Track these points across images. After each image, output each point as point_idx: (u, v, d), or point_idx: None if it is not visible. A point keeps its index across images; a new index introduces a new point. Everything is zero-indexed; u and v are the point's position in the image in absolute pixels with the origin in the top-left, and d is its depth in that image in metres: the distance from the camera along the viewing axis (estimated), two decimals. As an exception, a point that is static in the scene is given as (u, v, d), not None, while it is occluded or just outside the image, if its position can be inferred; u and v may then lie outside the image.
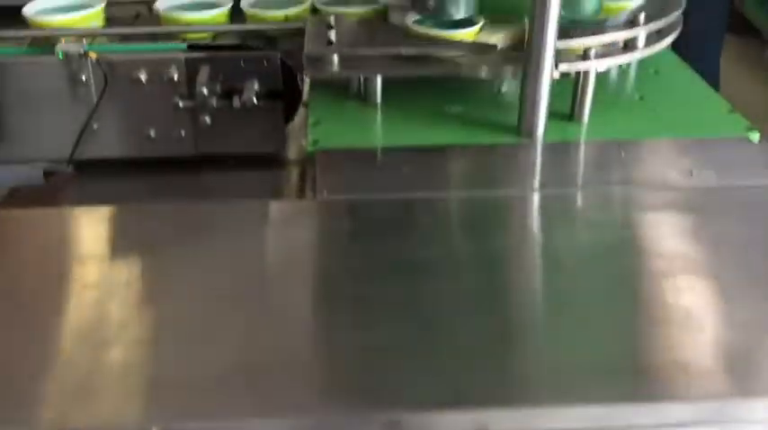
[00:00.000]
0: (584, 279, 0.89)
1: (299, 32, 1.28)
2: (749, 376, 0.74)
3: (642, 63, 1.34)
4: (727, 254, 0.93)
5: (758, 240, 0.95)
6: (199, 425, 0.72)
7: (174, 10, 1.36)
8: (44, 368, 0.76)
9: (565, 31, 1.13)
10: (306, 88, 1.34)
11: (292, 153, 1.38)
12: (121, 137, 1.32)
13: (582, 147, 1.16)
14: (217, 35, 1.36)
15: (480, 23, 1.19)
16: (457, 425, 0.71)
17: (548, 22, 1.07)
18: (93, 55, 1.22)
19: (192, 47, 1.29)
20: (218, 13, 1.35)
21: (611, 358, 0.77)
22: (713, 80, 2.52)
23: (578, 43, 1.14)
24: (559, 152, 1.14)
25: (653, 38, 1.21)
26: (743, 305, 0.83)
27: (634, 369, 0.75)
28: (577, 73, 1.17)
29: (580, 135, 1.18)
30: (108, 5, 1.37)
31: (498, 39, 1.18)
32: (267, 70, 1.29)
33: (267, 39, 1.34)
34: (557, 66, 1.12)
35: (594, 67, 1.16)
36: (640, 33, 1.17)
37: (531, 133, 1.16)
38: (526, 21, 1.11)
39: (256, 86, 1.28)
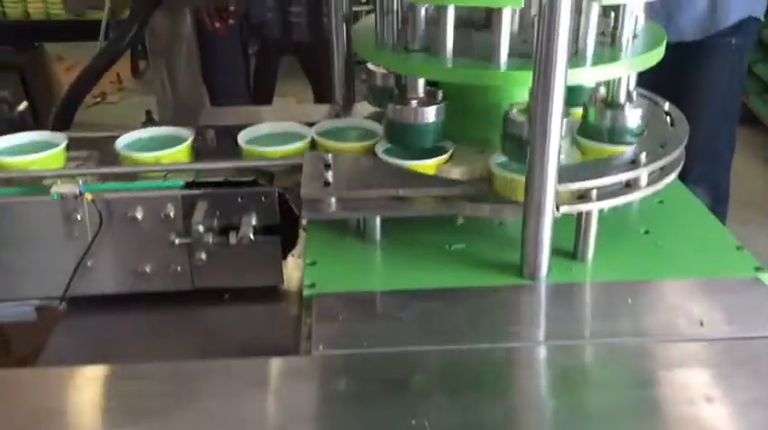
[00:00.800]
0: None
1: (299, 168, 1.27)
2: None
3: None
4: (742, 415, 0.88)
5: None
6: None
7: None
8: None
9: (566, 170, 1.11)
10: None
11: (290, 283, 1.35)
12: (116, 273, 1.29)
13: (587, 291, 1.13)
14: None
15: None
16: None
17: (547, 164, 1.05)
18: (88, 196, 1.21)
19: (190, 184, 1.28)
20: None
21: None
22: (725, 181, 2.51)
23: (579, 186, 1.12)
24: (564, 296, 1.11)
25: (656, 174, 1.19)
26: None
27: None
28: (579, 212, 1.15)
29: (585, 276, 1.15)
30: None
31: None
32: (265, 206, 1.27)
33: (265, 173, 1.33)
34: (557, 208, 1.10)
35: (597, 208, 1.13)
36: (643, 173, 1.15)
37: (534, 275, 1.13)
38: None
39: (254, 221, 1.26)
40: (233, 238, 1.25)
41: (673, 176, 1.21)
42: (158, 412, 0.93)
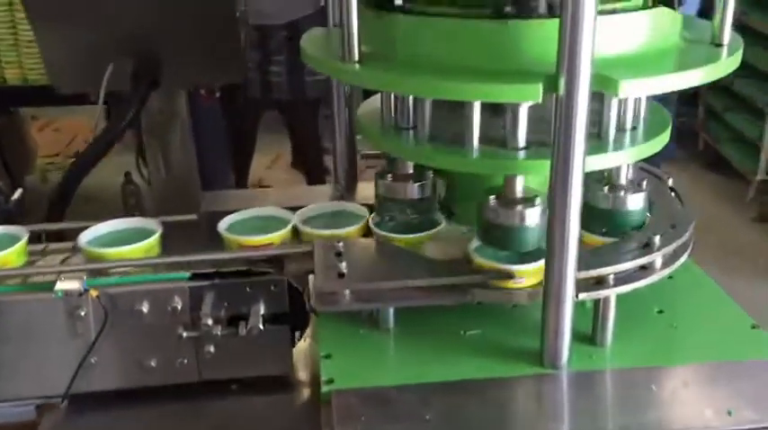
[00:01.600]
0: None
1: (309, 254, 1.25)
2: None
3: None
4: None
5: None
6: None
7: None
8: None
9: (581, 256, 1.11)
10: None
11: (299, 372, 1.32)
12: (120, 368, 1.25)
13: (610, 379, 1.11)
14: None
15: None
16: None
17: (567, 254, 1.04)
18: (93, 293, 1.17)
19: (197, 275, 1.24)
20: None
21: None
22: None
23: (598, 272, 1.11)
24: (588, 386, 1.09)
25: (670, 255, 1.19)
26: None
27: None
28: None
29: (606, 362, 1.14)
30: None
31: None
32: (274, 294, 1.24)
33: (273, 260, 1.30)
34: (577, 295, 1.09)
35: (615, 293, 1.13)
36: (657, 258, 1.15)
37: (555, 363, 1.11)
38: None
39: (262, 310, 1.24)
40: (242, 330, 1.22)
41: (686, 256, 1.22)
42: None
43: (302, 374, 1.33)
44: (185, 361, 1.26)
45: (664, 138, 1.20)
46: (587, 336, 1.18)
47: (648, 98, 1.23)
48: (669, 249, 1.17)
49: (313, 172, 3.87)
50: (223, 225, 1.36)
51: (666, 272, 1.17)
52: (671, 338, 1.18)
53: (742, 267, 3.48)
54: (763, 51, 3.93)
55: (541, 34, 1.04)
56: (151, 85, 1.51)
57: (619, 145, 1.15)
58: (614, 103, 1.13)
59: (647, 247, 1.16)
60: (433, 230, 1.29)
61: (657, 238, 1.16)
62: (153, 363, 1.25)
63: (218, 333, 1.22)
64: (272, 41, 3.29)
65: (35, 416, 1.27)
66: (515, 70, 1.06)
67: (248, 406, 1.29)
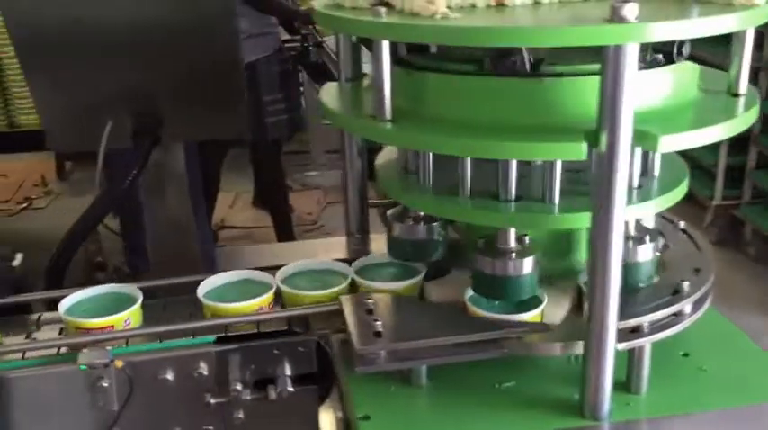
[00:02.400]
0: None
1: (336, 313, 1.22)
2: None
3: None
4: None
5: None
6: None
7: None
8: None
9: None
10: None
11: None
12: (144, 439, 1.20)
13: (649, 429, 1.11)
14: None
15: (544, 303, 1.17)
16: None
17: (608, 307, 1.04)
18: (118, 364, 1.13)
19: (222, 338, 1.21)
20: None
21: None
22: None
23: (636, 322, 1.12)
24: (631, 438, 1.09)
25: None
26: None
27: None
28: (632, 347, 1.15)
29: (643, 411, 1.14)
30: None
31: (559, 315, 1.16)
32: (301, 355, 1.22)
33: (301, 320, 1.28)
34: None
35: (651, 341, 1.14)
36: (687, 304, 1.17)
37: (596, 415, 1.11)
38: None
39: (288, 372, 1.21)
40: (272, 394, 1.19)
41: (709, 301, 1.23)
42: None
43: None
44: (211, 428, 1.22)
45: (684, 188, 1.22)
46: (621, 384, 1.18)
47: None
48: (698, 295, 1.19)
49: (277, 210, 3.84)
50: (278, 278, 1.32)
51: (696, 317, 1.19)
52: (702, 383, 1.19)
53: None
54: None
55: (576, 91, 1.06)
56: (153, 143, 1.47)
57: (646, 195, 1.17)
58: (639, 155, 1.16)
59: (677, 294, 1.18)
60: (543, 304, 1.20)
61: (686, 284, 1.17)
62: (178, 434, 1.21)
63: (248, 397, 1.18)
64: None
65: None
66: (549, 126, 1.07)
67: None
